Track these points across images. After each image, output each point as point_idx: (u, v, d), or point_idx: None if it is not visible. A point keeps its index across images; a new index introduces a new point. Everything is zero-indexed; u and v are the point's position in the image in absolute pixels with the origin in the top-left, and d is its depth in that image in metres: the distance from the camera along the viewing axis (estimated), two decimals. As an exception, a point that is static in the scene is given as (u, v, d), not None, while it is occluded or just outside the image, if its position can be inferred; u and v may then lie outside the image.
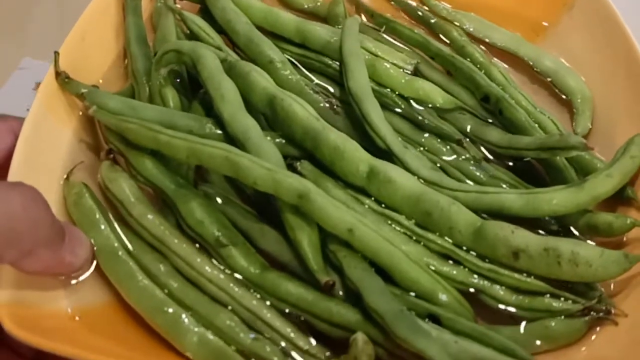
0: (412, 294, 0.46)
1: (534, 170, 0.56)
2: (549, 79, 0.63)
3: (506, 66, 0.65)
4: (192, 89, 0.59)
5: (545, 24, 0.68)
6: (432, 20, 0.68)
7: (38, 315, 0.44)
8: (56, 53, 0.55)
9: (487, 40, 0.67)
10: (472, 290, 0.47)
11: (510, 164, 0.57)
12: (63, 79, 0.54)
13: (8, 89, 0.72)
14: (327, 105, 0.57)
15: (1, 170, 0.49)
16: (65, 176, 0.52)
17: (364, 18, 0.70)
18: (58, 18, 0.60)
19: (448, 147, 0.56)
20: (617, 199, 0.52)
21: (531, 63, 0.64)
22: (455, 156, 0.56)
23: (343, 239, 0.46)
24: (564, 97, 0.62)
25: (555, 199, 0.49)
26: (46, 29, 0.59)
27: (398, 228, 0.49)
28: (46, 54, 0.57)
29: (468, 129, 0.59)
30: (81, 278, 0.47)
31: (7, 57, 0.76)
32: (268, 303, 0.46)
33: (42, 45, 0.57)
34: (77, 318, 0.46)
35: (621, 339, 0.44)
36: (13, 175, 0.48)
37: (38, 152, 0.51)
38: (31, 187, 0.42)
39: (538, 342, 0.46)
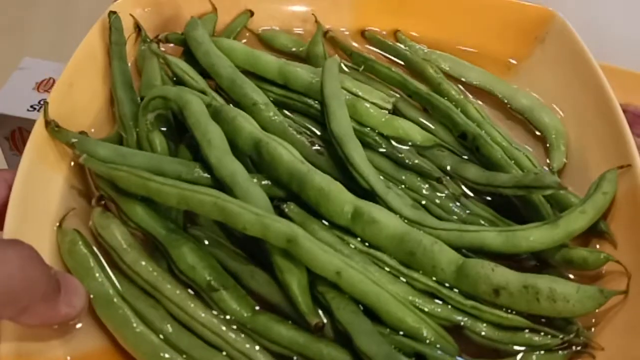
0: (400, 332, 0.48)
1: (511, 205, 0.58)
2: (524, 116, 0.65)
3: (481, 103, 0.68)
4: (179, 131, 0.60)
5: (513, 61, 0.70)
6: (408, 58, 0.70)
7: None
8: (45, 102, 0.56)
9: (462, 78, 0.69)
10: (457, 324, 0.49)
11: (489, 198, 0.59)
12: (53, 128, 0.55)
13: (8, 89, 0.73)
14: (311, 146, 0.58)
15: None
16: (57, 224, 0.53)
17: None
18: (58, 18, 0.61)
19: (428, 184, 0.58)
20: (592, 233, 0.54)
21: (506, 101, 0.67)
22: (435, 193, 0.58)
23: (331, 281, 0.48)
24: (538, 133, 0.64)
25: (532, 236, 0.51)
26: (46, 29, 0.60)
27: (384, 267, 0.51)
28: (46, 54, 0.57)
29: (447, 166, 0.61)
30: (78, 326, 0.48)
31: (7, 57, 0.76)
32: (259, 347, 0.48)
33: (42, 45, 0.58)
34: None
35: (598, 372, 0.46)
36: (8, 227, 0.49)
37: (31, 201, 0.52)
38: (27, 245, 0.42)
39: (520, 375, 0.48)
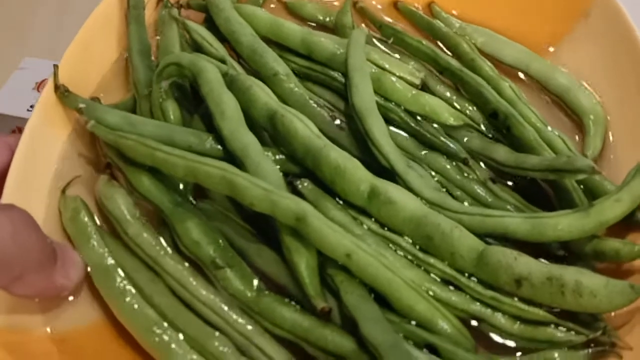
0: (411, 321, 0.45)
1: (541, 190, 0.55)
2: (560, 97, 0.61)
3: (516, 82, 0.64)
4: (195, 101, 0.58)
5: (552, 39, 0.66)
6: (442, 33, 0.66)
7: (27, 340, 0.43)
8: (55, 66, 0.54)
9: (497, 55, 0.65)
10: (473, 319, 0.46)
11: (517, 183, 0.55)
12: (62, 93, 0.54)
13: (8, 89, 0.72)
14: (331, 119, 0.55)
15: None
16: (61, 190, 0.52)
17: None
18: (58, 18, 0.60)
19: (454, 165, 0.55)
20: (627, 224, 0.50)
21: (543, 80, 0.63)
22: (460, 175, 0.54)
23: (341, 263, 0.45)
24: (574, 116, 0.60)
25: (560, 224, 0.47)
26: (46, 29, 0.59)
27: (398, 251, 0.48)
28: (46, 54, 0.57)
29: (474, 147, 0.57)
30: (70, 299, 0.47)
31: (7, 57, 0.76)
32: (261, 329, 0.45)
33: (42, 45, 0.57)
34: (64, 340, 0.45)
35: (625, 373, 0.43)
36: (8, 190, 0.48)
37: (34, 166, 0.51)
38: (22, 210, 0.41)
39: (540, 374, 0.44)
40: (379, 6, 0.71)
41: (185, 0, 0.67)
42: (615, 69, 0.60)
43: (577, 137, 0.60)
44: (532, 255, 0.47)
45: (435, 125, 0.58)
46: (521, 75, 0.65)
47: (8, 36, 0.76)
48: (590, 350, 0.44)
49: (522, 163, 0.53)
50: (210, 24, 0.64)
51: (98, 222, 0.51)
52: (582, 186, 0.53)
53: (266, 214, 0.46)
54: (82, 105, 0.54)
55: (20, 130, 0.52)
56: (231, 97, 0.53)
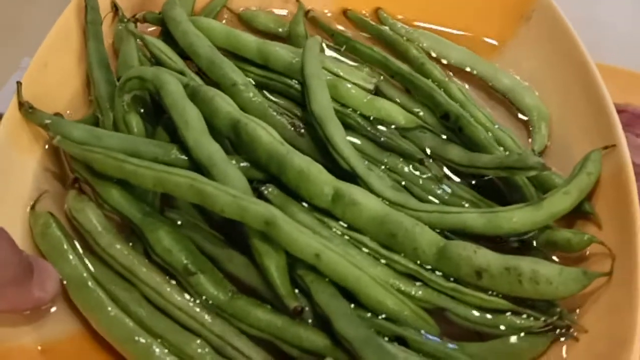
0: (380, 316, 0.47)
1: (495, 187, 0.57)
2: (506, 96, 0.65)
3: (463, 84, 0.67)
4: (156, 113, 0.59)
5: (496, 42, 0.69)
6: (392, 39, 0.69)
7: (8, 351, 0.44)
8: (18, 83, 0.55)
9: (444, 58, 0.68)
10: (437, 310, 0.48)
11: (473, 182, 0.58)
12: (27, 110, 0.54)
13: (8, 89, 0.72)
14: (291, 127, 0.57)
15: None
16: (30, 206, 0.52)
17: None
18: (58, 19, 0.60)
19: (410, 166, 0.57)
20: (576, 214, 0.53)
21: (488, 81, 0.66)
22: (417, 175, 0.57)
23: (310, 264, 0.47)
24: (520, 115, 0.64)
25: (514, 217, 0.50)
26: (46, 29, 0.59)
27: (364, 249, 0.50)
28: None
29: (429, 148, 0.60)
30: (50, 311, 0.48)
31: (7, 57, 0.75)
32: (238, 330, 0.47)
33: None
34: (45, 352, 0.46)
35: (582, 354, 0.46)
36: (-21, 210, 0.48)
37: (3, 184, 0.51)
38: None
39: (502, 358, 0.47)
40: (329, 14, 0.73)
41: (142, 15, 0.68)
42: (557, 68, 0.63)
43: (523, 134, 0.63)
44: (490, 248, 0.49)
45: (391, 128, 0.60)
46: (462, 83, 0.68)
47: (8, 36, 0.76)
48: (548, 334, 0.46)
49: (476, 162, 0.56)
50: (167, 37, 0.65)
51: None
52: (531, 181, 0.56)
53: (234, 220, 0.48)
54: (47, 121, 0.54)
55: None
56: (194, 108, 0.54)
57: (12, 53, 0.75)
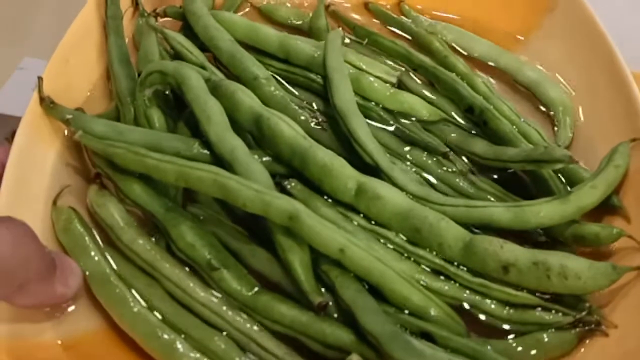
0: (405, 311, 0.46)
1: (520, 181, 0.57)
2: (530, 90, 0.64)
3: (487, 77, 0.66)
4: (178, 108, 0.59)
5: (521, 35, 0.68)
6: (414, 31, 0.68)
7: (31, 347, 0.44)
8: (39, 78, 0.55)
9: (467, 51, 0.67)
10: (464, 306, 0.47)
11: (495, 176, 0.57)
12: (48, 105, 0.54)
13: (8, 89, 0.72)
14: (314, 121, 0.57)
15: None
16: (52, 201, 0.52)
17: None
18: (58, 18, 0.60)
19: (434, 159, 0.57)
20: (604, 208, 0.52)
21: (512, 74, 0.65)
22: (442, 169, 0.56)
23: (335, 259, 0.47)
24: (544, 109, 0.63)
25: (542, 212, 0.49)
26: (46, 29, 0.59)
27: (388, 245, 0.50)
28: (46, 54, 0.57)
29: (453, 141, 0.59)
30: (72, 308, 0.47)
31: (7, 57, 0.76)
32: (261, 326, 0.46)
33: (42, 45, 0.57)
34: (68, 348, 0.46)
35: (612, 350, 0.45)
36: (2, 205, 0.48)
37: (25, 179, 0.51)
38: (21, 222, 0.42)
39: (530, 355, 0.46)
40: (349, 6, 0.72)
41: (162, 9, 0.67)
42: (582, 60, 0.62)
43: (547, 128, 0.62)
44: (515, 242, 0.48)
45: (414, 122, 0.59)
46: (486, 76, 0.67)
47: (8, 36, 0.76)
48: (577, 329, 0.45)
49: (501, 155, 0.55)
50: (188, 31, 0.65)
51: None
52: (558, 174, 0.55)
53: (257, 215, 0.48)
54: (68, 116, 0.54)
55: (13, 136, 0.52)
56: (216, 103, 0.54)
57: (12, 53, 0.75)
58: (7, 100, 0.59)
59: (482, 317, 0.47)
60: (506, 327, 0.47)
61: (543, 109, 0.63)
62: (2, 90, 0.72)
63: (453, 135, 0.59)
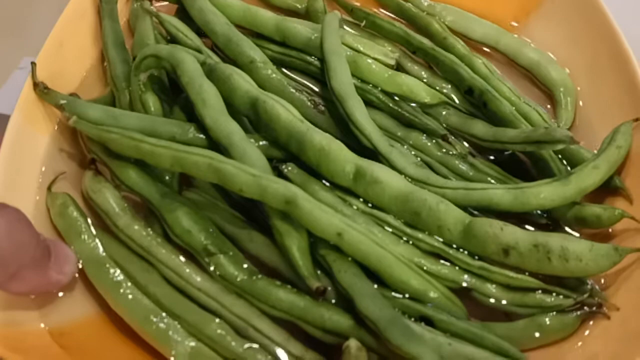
0: (404, 295, 0.46)
1: (520, 163, 0.56)
2: (531, 71, 0.63)
3: (486, 59, 0.64)
4: (173, 92, 0.58)
5: (520, 14, 0.67)
6: (412, 13, 0.67)
7: (25, 334, 0.44)
8: (33, 64, 0.54)
9: (467, 32, 0.66)
10: (464, 289, 0.47)
11: (494, 157, 0.56)
12: (42, 90, 0.54)
13: (8, 89, 0.71)
14: (311, 104, 0.56)
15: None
16: (47, 187, 0.52)
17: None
18: (58, 18, 0.60)
19: (433, 142, 0.56)
20: (605, 189, 0.51)
21: (512, 55, 0.64)
22: (441, 152, 0.55)
23: (332, 243, 0.46)
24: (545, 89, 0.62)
25: (542, 193, 0.49)
26: (46, 29, 0.58)
27: (387, 228, 0.49)
28: None
29: (452, 123, 0.58)
30: (65, 294, 0.47)
31: (7, 57, 0.75)
32: (258, 311, 0.46)
33: (42, 45, 0.57)
34: (62, 335, 0.46)
35: (614, 332, 0.44)
36: (-4, 191, 0.48)
37: (19, 165, 0.51)
38: (15, 209, 0.41)
39: (531, 338, 0.46)
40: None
41: (157, -7, 0.67)
42: (583, 41, 0.61)
43: (548, 107, 0.61)
44: (516, 225, 0.48)
45: (412, 104, 0.59)
46: (489, 50, 0.66)
47: (8, 36, 0.76)
48: (579, 312, 0.45)
49: (501, 137, 0.54)
50: (183, 15, 0.64)
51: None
52: (559, 155, 0.55)
53: (254, 200, 0.47)
54: (62, 102, 0.53)
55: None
56: (211, 86, 0.53)
57: (12, 53, 0.75)
58: (7, 100, 0.58)
59: (483, 300, 0.47)
60: (507, 310, 0.46)
61: (544, 91, 0.62)
62: (2, 90, 0.71)
63: (452, 117, 0.58)
